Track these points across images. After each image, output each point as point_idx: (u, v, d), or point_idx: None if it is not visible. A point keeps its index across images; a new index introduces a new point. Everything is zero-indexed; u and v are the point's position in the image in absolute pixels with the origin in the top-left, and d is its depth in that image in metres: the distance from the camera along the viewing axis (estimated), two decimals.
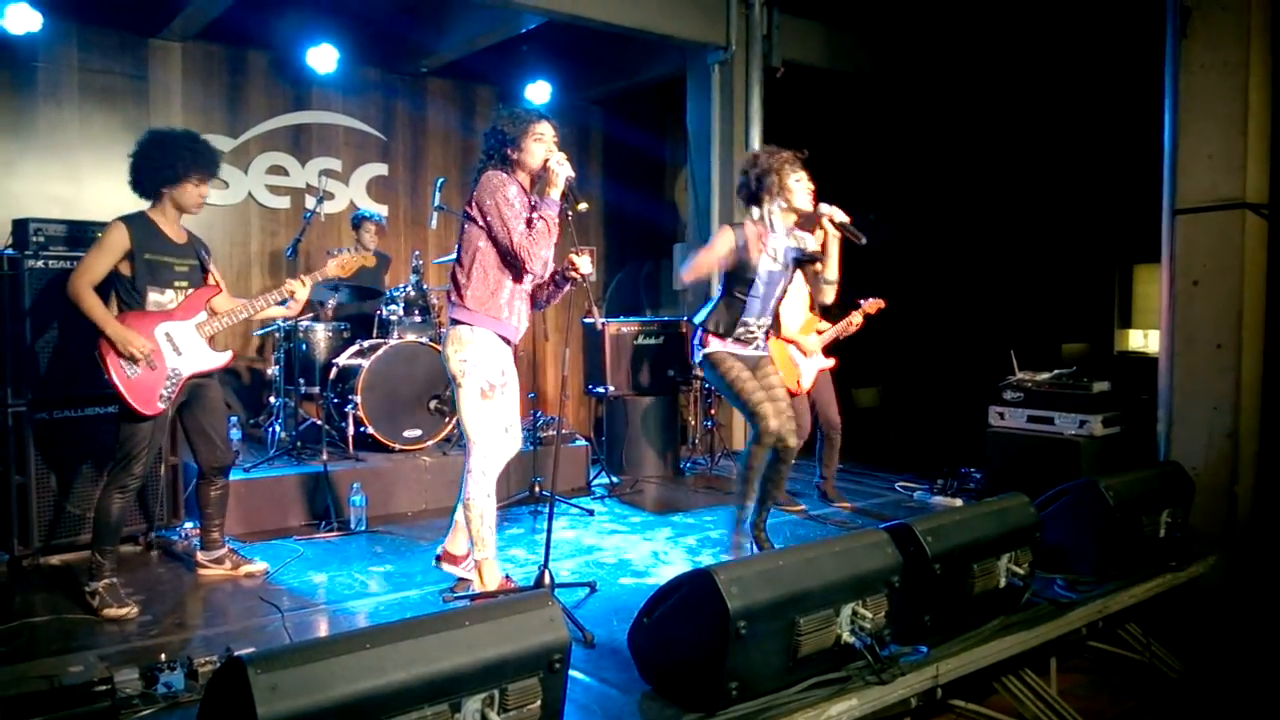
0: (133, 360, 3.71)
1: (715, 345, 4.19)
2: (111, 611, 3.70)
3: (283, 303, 4.15)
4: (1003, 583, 3.50)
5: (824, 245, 4.23)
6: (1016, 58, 7.67)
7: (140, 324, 3.79)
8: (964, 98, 8.20)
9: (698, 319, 4.29)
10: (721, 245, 4.14)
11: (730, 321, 4.18)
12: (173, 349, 3.86)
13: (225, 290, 4.14)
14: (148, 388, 3.76)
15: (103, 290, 3.77)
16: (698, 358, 4.28)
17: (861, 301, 5.57)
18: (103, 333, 3.70)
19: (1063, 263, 8.20)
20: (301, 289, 4.14)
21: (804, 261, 4.28)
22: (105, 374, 3.70)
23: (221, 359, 4.02)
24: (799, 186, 4.16)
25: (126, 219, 3.83)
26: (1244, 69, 4.78)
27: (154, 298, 3.85)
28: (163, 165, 3.84)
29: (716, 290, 4.38)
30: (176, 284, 3.92)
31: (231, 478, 5.00)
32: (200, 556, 4.27)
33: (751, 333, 4.23)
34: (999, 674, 3.53)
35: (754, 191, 4.19)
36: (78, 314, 3.72)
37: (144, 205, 3.95)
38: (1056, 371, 5.56)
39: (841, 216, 4.12)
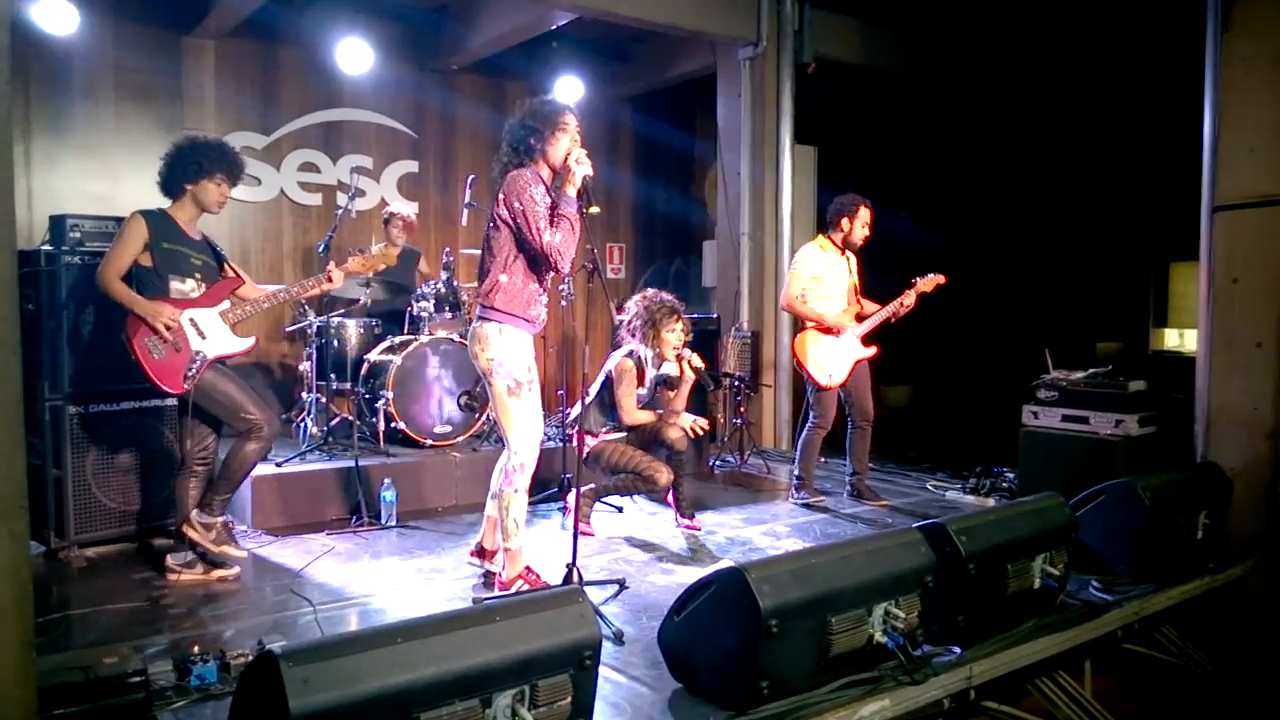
0: (162, 335, 3.83)
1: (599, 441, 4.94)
2: (229, 549, 4.01)
3: (312, 287, 4.29)
4: (1037, 584, 3.45)
5: (681, 375, 4.97)
6: (1054, 53, 7.59)
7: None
8: (1000, 94, 8.12)
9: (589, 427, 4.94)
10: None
11: (616, 426, 4.96)
12: (197, 333, 3.97)
13: (250, 282, 4.25)
14: (173, 368, 3.88)
15: (128, 283, 3.89)
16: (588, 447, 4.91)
17: (917, 280, 5.35)
18: (132, 310, 3.82)
19: (1098, 261, 8.10)
20: (338, 277, 4.26)
21: (664, 385, 5.05)
22: (132, 355, 3.82)
23: (244, 344, 4.11)
24: (671, 338, 4.89)
25: (144, 211, 3.96)
26: None
27: (176, 285, 3.97)
28: (190, 162, 3.98)
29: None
30: (196, 275, 4.04)
31: (263, 472, 5.07)
32: (195, 516, 3.99)
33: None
34: (1032, 676, 3.49)
35: (633, 333, 4.96)
36: (111, 307, 3.89)
37: (165, 204, 4.07)
38: (1091, 370, 5.48)
39: (699, 363, 4.91)
